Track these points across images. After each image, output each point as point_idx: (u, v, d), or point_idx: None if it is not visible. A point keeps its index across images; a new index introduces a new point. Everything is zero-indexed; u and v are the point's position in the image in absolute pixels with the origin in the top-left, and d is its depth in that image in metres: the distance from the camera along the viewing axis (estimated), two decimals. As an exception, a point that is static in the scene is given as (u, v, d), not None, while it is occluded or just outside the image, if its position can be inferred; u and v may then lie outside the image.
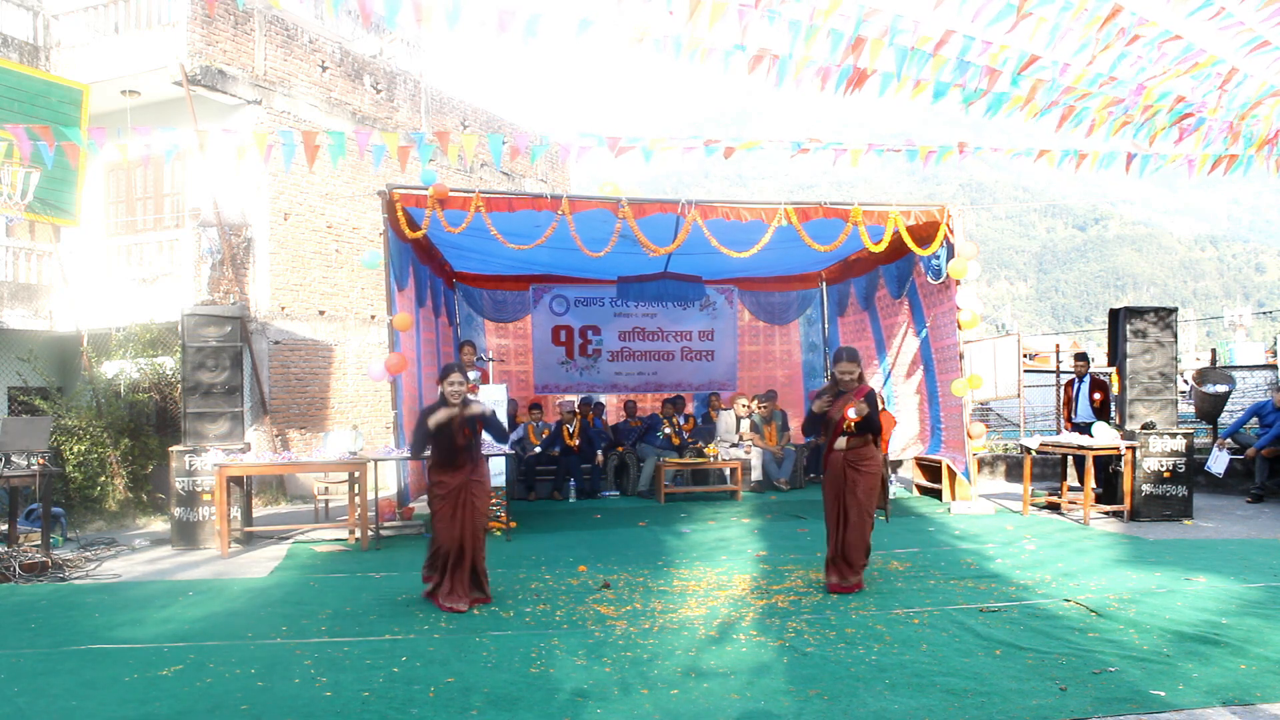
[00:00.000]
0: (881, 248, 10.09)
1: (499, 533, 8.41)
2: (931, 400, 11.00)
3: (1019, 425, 13.53)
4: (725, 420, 12.13)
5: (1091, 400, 10.20)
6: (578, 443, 11.28)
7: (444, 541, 5.73)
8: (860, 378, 6.01)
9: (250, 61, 12.08)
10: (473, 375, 10.08)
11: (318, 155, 6.73)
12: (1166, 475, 8.75)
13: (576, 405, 11.77)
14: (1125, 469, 8.80)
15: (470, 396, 5.92)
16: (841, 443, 5.94)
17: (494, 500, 6.25)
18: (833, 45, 4.74)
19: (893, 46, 4.82)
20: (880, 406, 11.75)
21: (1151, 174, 6.62)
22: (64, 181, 10.27)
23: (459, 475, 5.77)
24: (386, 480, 10.38)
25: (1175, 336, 9.09)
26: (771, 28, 4.61)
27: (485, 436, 6.20)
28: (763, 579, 6.33)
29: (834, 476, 5.97)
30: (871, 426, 5.94)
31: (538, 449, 11.31)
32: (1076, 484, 9.84)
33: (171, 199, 12.36)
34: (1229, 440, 10.56)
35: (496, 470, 8.81)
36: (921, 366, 11.22)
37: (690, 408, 12.77)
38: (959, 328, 9.74)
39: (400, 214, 8.81)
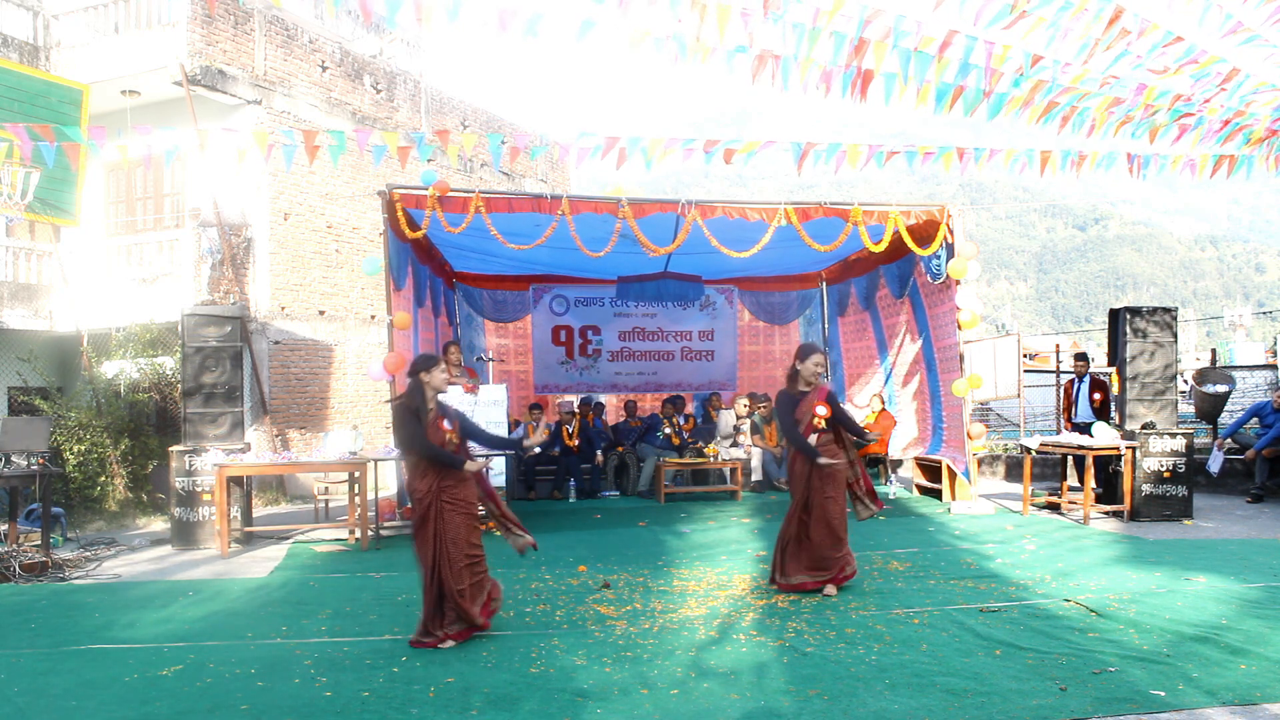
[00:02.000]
0: (881, 248, 10.09)
1: (499, 533, 8.39)
2: (934, 400, 11.00)
3: (1019, 425, 13.53)
4: (725, 420, 12.13)
5: (1091, 400, 10.20)
6: (577, 443, 11.28)
7: (424, 566, 4.94)
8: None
9: (250, 61, 12.08)
10: (457, 374, 10.09)
11: (318, 153, 6.75)
12: (1166, 475, 8.75)
13: (576, 405, 11.77)
14: (1125, 469, 8.80)
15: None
16: (813, 439, 5.93)
17: (480, 514, 5.13)
18: (836, 47, 4.75)
19: (896, 49, 4.83)
20: (881, 406, 11.83)
21: (1154, 176, 6.63)
22: (64, 181, 10.26)
23: (428, 481, 4.94)
24: (386, 480, 10.38)
25: (1175, 336, 9.09)
26: (775, 29, 4.61)
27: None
28: (762, 579, 6.32)
29: (803, 476, 5.95)
30: (843, 422, 6.02)
31: (538, 449, 11.30)
32: (1076, 484, 9.84)
33: (171, 199, 12.36)
34: (1229, 440, 10.56)
35: (496, 470, 8.81)
36: (923, 366, 11.21)
37: (690, 408, 12.77)
38: (959, 328, 9.74)
39: (400, 214, 8.80)
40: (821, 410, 5.83)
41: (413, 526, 5.06)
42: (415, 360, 5.14)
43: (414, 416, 4.92)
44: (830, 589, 5.84)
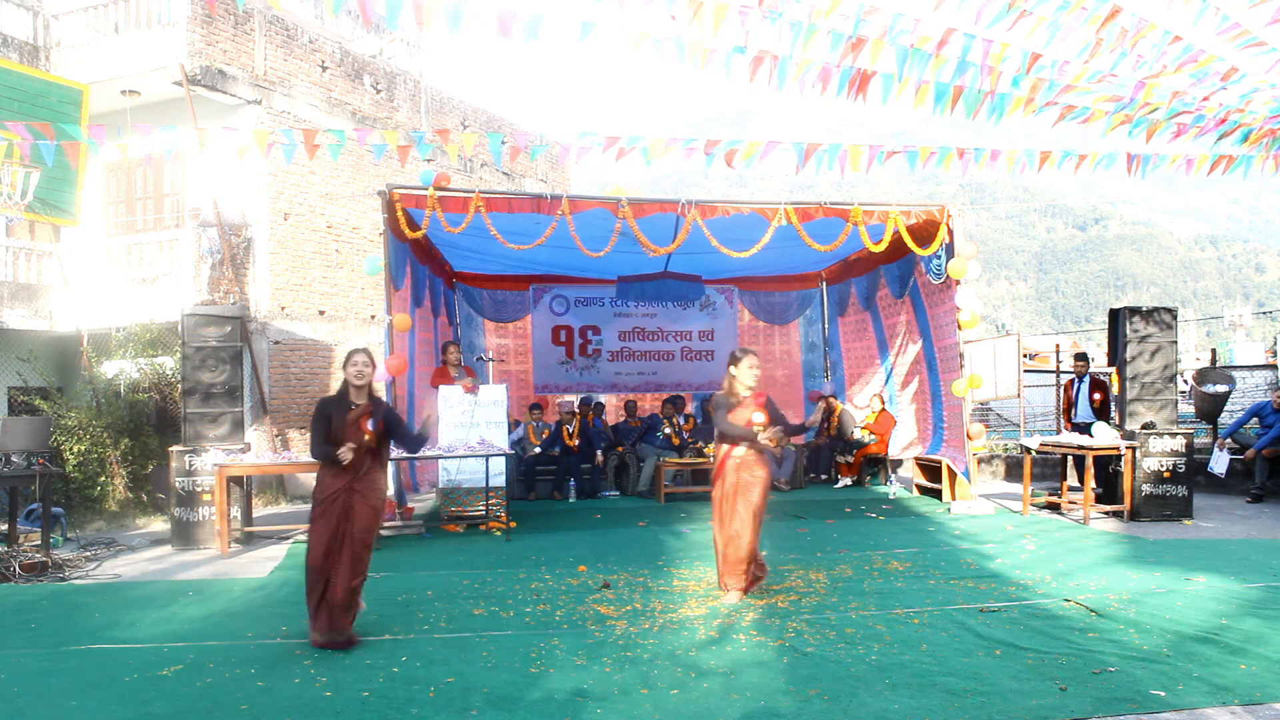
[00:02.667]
0: (881, 248, 10.09)
1: (499, 533, 8.41)
2: (934, 400, 11.00)
3: (1019, 425, 13.53)
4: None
5: (1091, 400, 10.19)
6: (577, 443, 11.28)
7: (310, 560, 4.90)
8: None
9: (250, 61, 12.08)
10: (456, 374, 10.09)
11: (318, 151, 6.75)
12: (1166, 475, 8.75)
13: (576, 405, 11.77)
14: (1125, 469, 8.80)
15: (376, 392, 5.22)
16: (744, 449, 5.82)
17: (381, 525, 5.08)
18: (833, 45, 4.75)
19: (894, 47, 4.83)
20: (881, 406, 11.83)
21: (1151, 173, 6.63)
22: (64, 181, 10.26)
23: (341, 480, 4.94)
24: (386, 480, 10.36)
25: (1175, 337, 9.09)
26: (773, 29, 4.61)
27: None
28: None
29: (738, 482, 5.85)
30: (782, 425, 5.94)
31: (538, 449, 11.31)
32: (1076, 484, 9.84)
33: (171, 199, 12.36)
34: (1229, 440, 10.56)
35: (497, 470, 8.83)
36: (924, 366, 11.21)
37: (690, 408, 12.77)
38: (959, 328, 9.74)
39: (400, 214, 8.80)
40: (759, 417, 5.75)
41: (313, 519, 4.95)
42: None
43: (323, 414, 4.99)
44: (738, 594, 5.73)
